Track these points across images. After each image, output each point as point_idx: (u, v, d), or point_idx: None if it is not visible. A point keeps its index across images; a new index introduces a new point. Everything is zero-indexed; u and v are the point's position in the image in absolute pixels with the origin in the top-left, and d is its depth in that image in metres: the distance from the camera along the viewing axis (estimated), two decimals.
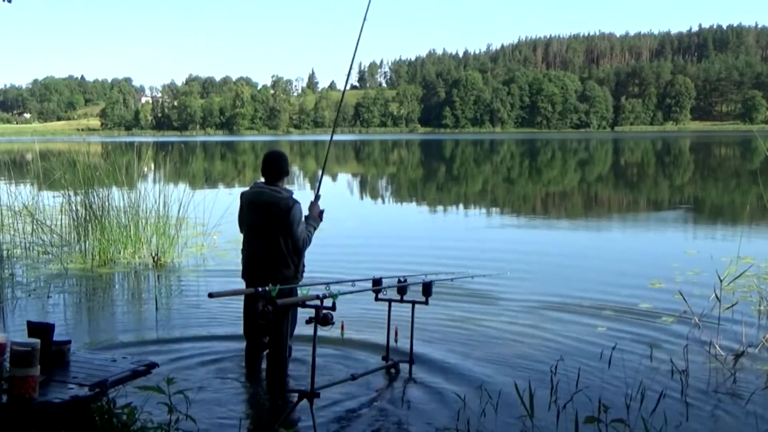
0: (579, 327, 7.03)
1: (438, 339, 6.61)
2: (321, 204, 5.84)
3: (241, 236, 5.68)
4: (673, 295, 8.00)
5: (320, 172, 7.11)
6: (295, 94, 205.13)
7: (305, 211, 5.61)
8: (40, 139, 35.82)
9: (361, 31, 6.48)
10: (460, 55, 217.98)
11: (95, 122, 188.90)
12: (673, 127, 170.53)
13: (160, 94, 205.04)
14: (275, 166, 5.49)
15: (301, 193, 5.65)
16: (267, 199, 5.35)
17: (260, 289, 4.87)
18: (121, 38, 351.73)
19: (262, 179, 5.58)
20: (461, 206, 20.83)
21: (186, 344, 6.55)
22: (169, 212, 11.28)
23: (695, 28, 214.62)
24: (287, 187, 5.56)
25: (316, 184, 28.28)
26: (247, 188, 5.67)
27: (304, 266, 5.56)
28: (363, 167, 41.84)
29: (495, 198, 23.34)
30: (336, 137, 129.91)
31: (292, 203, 5.32)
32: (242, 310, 5.71)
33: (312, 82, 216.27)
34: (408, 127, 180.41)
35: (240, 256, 5.64)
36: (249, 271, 5.46)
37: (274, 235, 5.31)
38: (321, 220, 5.72)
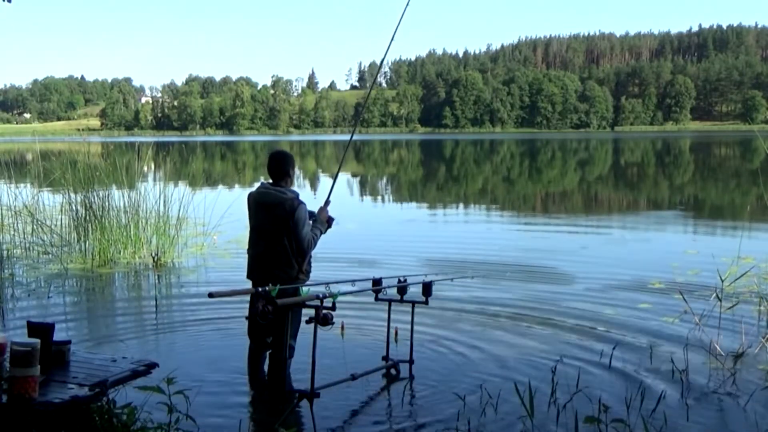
0: (579, 327, 7.02)
1: (438, 339, 6.60)
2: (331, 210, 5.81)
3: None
4: (673, 295, 8.00)
5: (329, 176, 7.11)
6: (295, 94, 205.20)
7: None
8: (41, 139, 35.80)
9: (395, 31, 6.47)
10: (460, 55, 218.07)
11: (95, 122, 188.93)
12: (673, 127, 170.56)
13: (160, 94, 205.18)
14: (277, 165, 5.50)
15: (301, 193, 5.63)
16: (272, 199, 5.35)
17: (260, 288, 4.88)
18: (121, 38, 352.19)
19: (266, 179, 5.60)
20: (461, 206, 20.83)
21: (186, 344, 6.56)
22: (169, 212, 11.28)
23: (695, 28, 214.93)
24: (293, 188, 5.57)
25: (317, 184, 27.95)
26: (251, 188, 5.67)
27: (310, 266, 5.56)
28: (363, 167, 41.85)
29: (495, 198, 23.34)
30: (337, 137, 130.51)
31: (297, 204, 5.32)
32: (244, 309, 5.71)
33: (312, 82, 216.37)
34: (408, 127, 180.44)
35: (245, 255, 5.64)
36: (254, 272, 5.46)
37: (278, 235, 5.31)
38: (330, 226, 5.69)
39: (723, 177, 30.91)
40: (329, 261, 9.38)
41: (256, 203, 5.47)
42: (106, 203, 11.22)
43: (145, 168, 15.09)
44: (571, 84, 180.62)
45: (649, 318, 7.34)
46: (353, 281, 5.78)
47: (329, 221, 5.69)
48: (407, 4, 6.48)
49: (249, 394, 5.44)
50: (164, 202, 11.32)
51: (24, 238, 11.77)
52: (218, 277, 9.29)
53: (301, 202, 5.37)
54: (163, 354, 6.11)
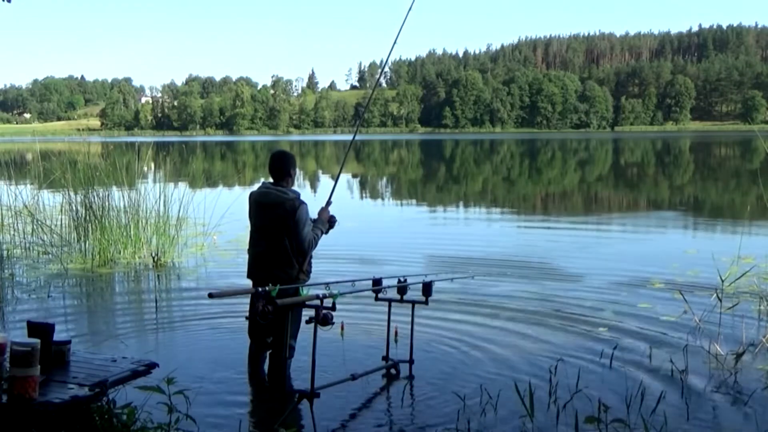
0: (579, 327, 7.02)
1: (438, 339, 6.60)
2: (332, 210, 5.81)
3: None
4: (673, 295, 8.00)
5: (329, 177, 7.11)
6: (295, 94, 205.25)
7: (314, 215, 5.62)
8: (41, 139, 35.80)
9: (399, 33, 6.46)
10: (460, 55, 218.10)
11: (95, 122, 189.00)
12: (673, 127, 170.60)
13: (160, 94, 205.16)
14: (278, 165, 5.52)
15: (301, 193, 5.63)
16: (273, 199, 5.36)
17: (260, 289, 4.88)
18: (121, 38, 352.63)
19: (266, 179, 5.61)
20: (461, 206, 20.83)
21: (186, 344, 6.56)
22: (169, 212, 11.28)
23: (695, 28, 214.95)
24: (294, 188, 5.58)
25: (317, 184, 27.90)
26: (250, 188, 5.67)
27: (311, 266, 5.56)
28: (363, 167, 41.84)
29: (495, 198, 23.34)
30: (337, 137, 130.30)
31: (298, 204, 5.33)
32: (244, 309, 5.71)
33: (312, 82, 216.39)
34: (408, 127, 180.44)
35: (245, 255, 5.65)
36: (254, 271, 5.47)
37: (279, 235, 5.32)
38: (331, 226, 5.70)
39: (723, 177, 30.91)
40: (330, 258, 9.38)
41: (257, 203, 5.47)
42: (106, 203, 11.22)
43: (145, 168, 15.10)
44: (571, 84, 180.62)
45: (649, 318, 7.33)
46: (353, 281, 5.79)
47: (330, 221, 5.69)
48: (410, 7, 6.47)
49: (249, 394, 5.44)
50: (164, 202, 11.31)
51: (24, 238, 11.77)
52: (218, 277, 9.29)
53: (303, 203, 5.37)
54: (163, 354, 6.11)
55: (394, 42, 6.52)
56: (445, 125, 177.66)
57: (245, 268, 5.59)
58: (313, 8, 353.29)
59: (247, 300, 5.55)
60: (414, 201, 22.78)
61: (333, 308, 4.85)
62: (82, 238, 11.27)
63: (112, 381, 3.83)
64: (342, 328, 6.55)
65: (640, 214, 18.37)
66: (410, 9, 6.53)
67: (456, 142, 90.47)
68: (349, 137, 7.88)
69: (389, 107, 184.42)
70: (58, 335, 4.17)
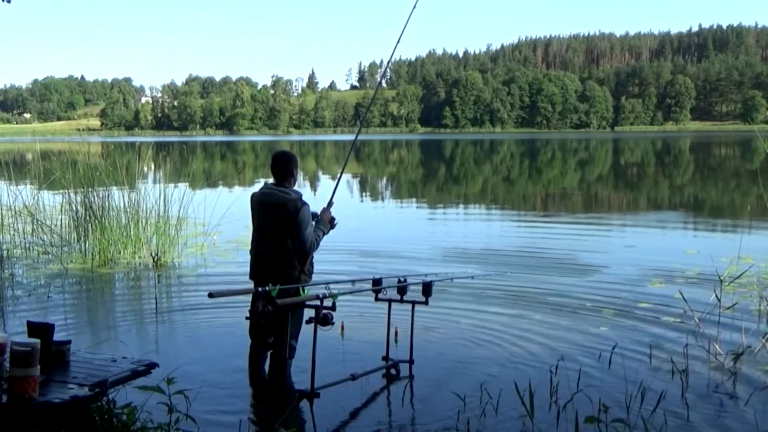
0: (579, 327, 7.03)
1: (438, 339, 6.61)
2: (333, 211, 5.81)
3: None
4: (673, 295, 8.00)
5: (329, 177, 7.10)
6: (295, 94, 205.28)
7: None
8: (41, 139, 35.81)
9: (405, 27, 6.47)
10: (460, 55, 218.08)
11: (95, 122, 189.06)
12: (673, 127, 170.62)
13: (160, 94, 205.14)
14: (280, 166, 5.52)
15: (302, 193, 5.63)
16: (275, 200, 5.36)
17: (260, 289, 4.88)
18: (121, 38, 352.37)
19: (267, 179, 5.61)
20: (461, 206, 20.82)
21: (186, 344, 6.56)
22: (169, 212, 11.28)
23: (695, 28, 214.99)
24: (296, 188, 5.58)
25: (317, 184, 27.82)
26: (251, 188, 5.68)
27: (312, 266, 5.56)
28: (363, 167, 41.82)
29: (495, 198, 23.34)
30: (337, 137, 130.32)
31: (300, 205, 5.33)
32: (244, 310, 5.70)
33: (312, 82, 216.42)
34: (408, 127, 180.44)
35: (246, 255, 5.65)
36: (256, 272, 5.47)
37: (281, 236, 5.32)
38: (332, 227, 5.71)
39: (723, 177, 30.91)
40: (329, 260, 9.37)
41: (259, 204, 5.47)
42: (106, 203, 11.23)
43: (145, 168, 15.09)
44: (571, 84, 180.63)
45: (648, 318, 7.34)
46: (353, 281, 5.78)
47: (332, 222, 5.69)
48: (414, 7, 6.47)
49: (249, 394, 5.44)
50: (164, 202, 11.32)
51: (24, 238, 11.77)
52: (218, 277, 9.30)
53: (305, 203, 5.37)
54: (163, 354, 6.11)
55: (397, 43, 6.52)
56: (445, 125, 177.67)
57: (246, 268, 5.60)
58: (313, 8, 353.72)
59: (248, 300, 5.55)
60: (414, 201, 22.76)
61: (333, 308, 4.85)
62: (82, 238, 11.27)
63: (112, 381, 3.83)
64: (342, 328, 6.54)
65: (640, 213, 18.36)
66: (414, 8, 6.53)
67: (456, 142, 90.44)
68: (349, 137, 7.92)
69: (389, 107, 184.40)
70: (58, 335, 4.17)
